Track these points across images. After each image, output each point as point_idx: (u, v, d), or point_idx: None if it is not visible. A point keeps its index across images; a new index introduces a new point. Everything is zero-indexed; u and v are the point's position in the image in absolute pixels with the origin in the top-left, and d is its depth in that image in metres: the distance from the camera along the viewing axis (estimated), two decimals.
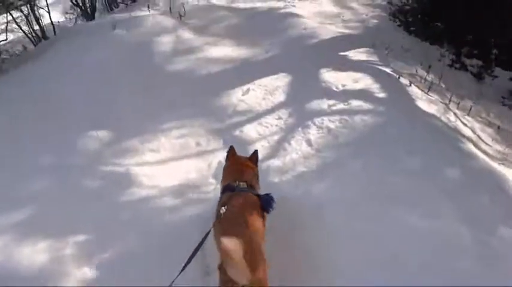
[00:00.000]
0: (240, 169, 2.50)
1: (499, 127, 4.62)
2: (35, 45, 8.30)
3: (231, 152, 2.62)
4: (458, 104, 4.49)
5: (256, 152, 2.66)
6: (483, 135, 4.14)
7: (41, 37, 8.52)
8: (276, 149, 3.38)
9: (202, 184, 3.18)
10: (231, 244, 1.73)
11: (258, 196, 2.37)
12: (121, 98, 4.40)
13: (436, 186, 2.76)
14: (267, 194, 2.37)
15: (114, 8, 10.05)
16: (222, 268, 1.88)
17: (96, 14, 8.94)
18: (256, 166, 2.63)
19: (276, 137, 3.55)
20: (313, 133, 3.44)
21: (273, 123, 3.74)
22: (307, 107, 3.82)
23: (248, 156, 2.64)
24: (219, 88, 4.36)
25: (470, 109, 4.53)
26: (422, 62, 5.66)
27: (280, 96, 4.14)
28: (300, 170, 3.06)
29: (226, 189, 2.39)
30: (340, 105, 3.75)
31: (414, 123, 3.45)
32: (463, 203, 2.71)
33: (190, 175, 3.27)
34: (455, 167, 3.00)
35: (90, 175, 3.22)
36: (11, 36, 8.61)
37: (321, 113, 3.67)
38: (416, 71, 5.31)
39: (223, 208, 2.17)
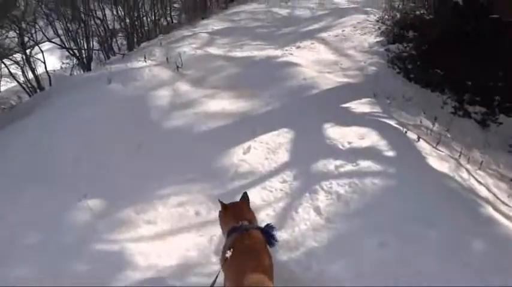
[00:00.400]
0: (239, 210, 2.54)
1: (511, 180, 4.43)
2: (29, 96, 8.21)
3: (222, 205, 2.58)
4: (469, 158, 4.30)
5: (245, 193, 2.67)
6: (498, 192, 3.93)
7: (36, 87, 8.45)
8: (283, 219, 3.14)
9: (203, 263, 2.89)
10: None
11: (261, 229, 2.40)
12: (116, 158, 4.20)
13: (462, 263, 2.50)
14: (268, 225, 2.44)
15: (111, 55, 10.09)
16: None
17: (93, 64, 8.92)
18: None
19: (281, 204, 3.31)
20: (321, 199, 3.22)
21: (278, 187, 3.51)
22: (313, 168, 3.61)
23: (239, 201, 2.65)
24: (218, 146, 4.16)
25: (481, 163, 4.34)
26: (425, 111, 5.54)
27: (283, 156, 3.93)
28: (311, 245, 2.81)
29: (232, 231, 2.38)
30: (348, 167, 3.55)
31: (428, 186, 3.25)
32: (491, 280, 2.46)
33: (189, 253, 2.99)
34: (478, 238, 2.77)
35: (79, 257, 2.93)
36: (4, 87, 8.54)
37: (329, 175, 3.46)
38: (421, 121, 5.17)
39: (228, 251, 2.19)
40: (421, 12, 7.67)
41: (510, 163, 4.99)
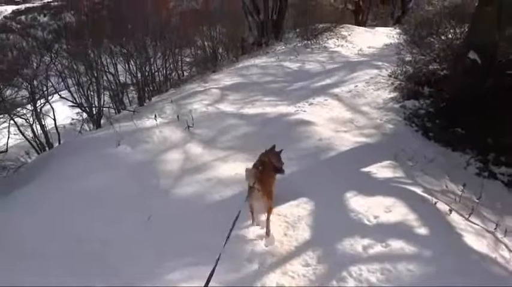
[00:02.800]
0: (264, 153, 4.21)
1: None
2: (38, 153, 8.07)
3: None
4: (505, 231, 3.94)
5: (274, 146, 4.31)
6: None
7: (44, 144, 8.33)
8: None
9: None
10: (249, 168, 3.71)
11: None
12: (123, 232, 3.89)
13: None
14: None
15: (121, 109, 10.07)
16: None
17: (103, 120, 8.85)
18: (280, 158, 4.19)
19: None
20: None
21: (300, 272, 3.16)
22: (339, 249, 3.28)
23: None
24: (231, 221, 3.84)
25: None
26: (449, 173, 5.26)
27: (304, 232, 3.61)
28: None
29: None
30: (378, 248, 3.21)
31: (471, 275, 2.88)
32: None
33: None
34: None
35: None
36: (13, 141, 8.41)
37: (357, 259, 3.12)
38: (446, 185, 4.88)
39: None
40: (435, 67, 7.55)
41: None
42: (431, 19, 8.49)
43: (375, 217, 3.65)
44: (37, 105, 8.16)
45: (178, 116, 6.52)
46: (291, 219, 3.82)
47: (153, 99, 9.99)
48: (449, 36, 7.55)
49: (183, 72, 12.86)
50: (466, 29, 6.92)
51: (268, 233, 3.58)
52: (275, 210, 3.98)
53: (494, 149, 5.80)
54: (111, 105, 10.08)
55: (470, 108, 6.08)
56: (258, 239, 3.59)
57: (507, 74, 6.26)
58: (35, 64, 8.65)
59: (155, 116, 6.64)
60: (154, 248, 3.63)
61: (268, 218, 3.60)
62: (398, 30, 10.56)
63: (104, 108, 9.22)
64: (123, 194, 4.36)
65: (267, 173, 3.77)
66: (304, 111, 6.82)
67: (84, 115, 9.42)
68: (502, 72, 6.27)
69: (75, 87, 9.21)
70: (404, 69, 8.14)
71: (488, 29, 5.91)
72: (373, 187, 4.28)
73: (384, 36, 12.61)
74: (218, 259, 2.91)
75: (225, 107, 7.22)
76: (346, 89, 7.91)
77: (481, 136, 5.91)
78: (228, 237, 3.13)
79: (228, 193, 4.37)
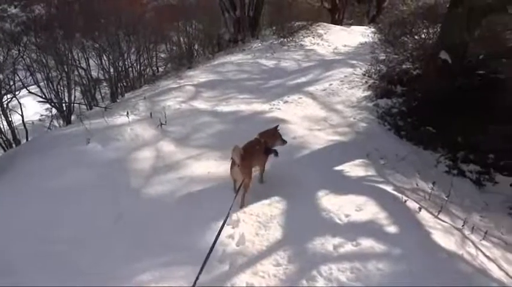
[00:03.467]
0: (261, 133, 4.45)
1: None
2: (4, 150, 7.76)
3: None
4: (472, 228, 4.03)
5: (277, 126, 4.60)
6: (508, 268, 3.63)
7: (11, 141, 8.02)
8: None
9: None
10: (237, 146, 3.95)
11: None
12: (91, 234, 3.75)
13: None
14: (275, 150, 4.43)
15: (93, 106, 9.79)
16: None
17: (73, 117, 8.58)
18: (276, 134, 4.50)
19: None
20: None
21: (271, 272, 3.12)
22: (309, 249, 3.27)
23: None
24: (204, 219, 3.79)
25: (486, 234, 4.07)
26: (420, 171, 5.35)
27: (276, 232, 3.58)
28: None
29: None
30: (349, 247, 3.22)
31: (440, 272, 2.92)
32: None
33: None
34: None
35: None
36: None
37: (327, 258, 3.11)
38: (417, 183, 4.96)
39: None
40: (408, 67, 7.67)
41: (511, 227, 4.76)
42: (406, 19, 8.62)
43: (346, 216, 3.66)
44: (3, 100, 7.83)
45: (151, 113, 6.38)
46: (263, 218, 3.78)
47: (126, 95, 9.77)
48: (422, 36, 7.70)
49: (157, 68, 12.63)
50: (439, 29, 7.05)
51: (242, 206, 3.99)
52: (247, 209, 3.96)
53: (464, 147, 5.94)
54: (82, 101, 9.79)
55: (441, 107, 6.21)
56: (230, 239, 3.53)
57: (477, 74, 6.43)
58: (1, 57, 8.29)
59: (127, 113, 6.48)
60: (124, 248, 3.52)
61: (243, 194, 4.01)
62: (373, 29, 10.69)
63: (74, 105, 8.93)
64: (92, 193, 4.21)
65: (255, 153, 4.19)
66: (279, 109, 6.81)
67: (54, 111, 9.09)
68: (472, 72, 6.43)
69: (45, 82, 8.87)
70: (378, 68, 8.25)
71: (458, 30, 6.04)
72: (345, 186, 4.30)
73: (359, 35, 12.74)
74: (206, 260, 2.90)
75: (200, 104, 7.12)
76: (321, 87, 7.94)
77: (451, 135, 6.04)
78: (215, 240, 3.14)
79: (200, 192, 4.29)
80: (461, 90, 6.19)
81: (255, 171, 4.39)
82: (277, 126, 4.59)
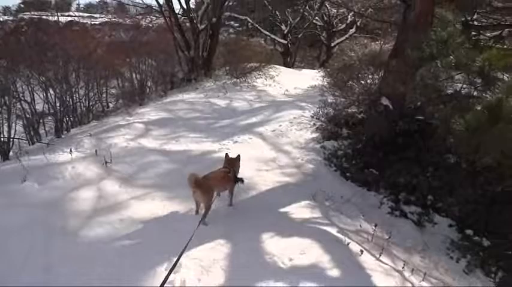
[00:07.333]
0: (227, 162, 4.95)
1: None
2: None
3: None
4: (412, 270, 4.15)
5: (239, 155, 5.09)
6: None
7: None
8: None
9: None
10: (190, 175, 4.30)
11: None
12: None
13: None
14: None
15: (36, 140, 9.31)
16: None
17: (12, 152, 8.06)
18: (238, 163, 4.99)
19: None
20: None
21: None
22: None
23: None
24: (145, 263, 3.62)
25: (425, 275, 4.20)
26: (364, 213, 5.51)
27: (219, 277, 3.48)
28: None
29: None
30: None
31: None
32: None
33: None
34: None
35: None
36: None
37: None
38: (361, 225, 5.08)
39: None
40: (353, 110, 8.04)
41: (449, 267, 4.95)
42: (353, 64, 9.14)
43: (290, 260, 3.65)
44: None
45: (96, 151, 6.18)
46: (205, 263, 3.67)
47: (72, 131, 9.41)
48: (368, 81, 8.14)
49: (108, 104, 12.36)
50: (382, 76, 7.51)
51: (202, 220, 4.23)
52: (189, 253, 3.81)
53: (405, 189, 6.22)
54: (23, 135, 9.29)
55: (384, 149, 6.53)
56: (170, 285, 3.38)
57: (415, 119, 6.86)
58: None
59: (70, 149, 6.23)
60: None
61: (204, 213, 4.33)
62: (322, 73, 11.20)
63: (14, 139, 8.44)
64: (22, 238, 3.91)
65: (221, 180, 4.68)
66: (228, 149, 6.82)
67: None
68: (411, 118, 6.86)
69: None
70: (326, 111, 8.56)
71: (396, 79, 6.46)
72: (290, 228, 4.32)
73: (309, 78, 13.30)
74: None
75: (148, 142, 7.00)
76: (271, 128, 8.10)
77: (393, 176, 6.32)
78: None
79: (140, 236, 4.12)
80: (402, 134, 6.57)
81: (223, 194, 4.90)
82: (239, 155, 5.09)
